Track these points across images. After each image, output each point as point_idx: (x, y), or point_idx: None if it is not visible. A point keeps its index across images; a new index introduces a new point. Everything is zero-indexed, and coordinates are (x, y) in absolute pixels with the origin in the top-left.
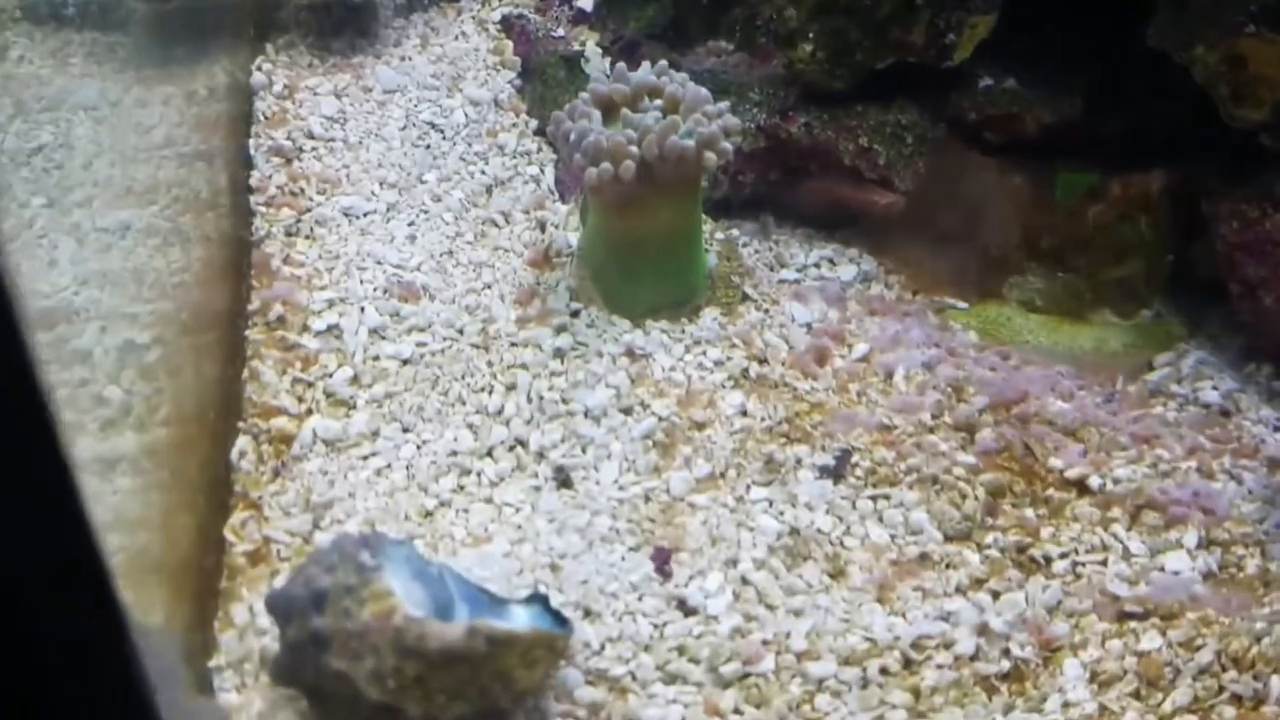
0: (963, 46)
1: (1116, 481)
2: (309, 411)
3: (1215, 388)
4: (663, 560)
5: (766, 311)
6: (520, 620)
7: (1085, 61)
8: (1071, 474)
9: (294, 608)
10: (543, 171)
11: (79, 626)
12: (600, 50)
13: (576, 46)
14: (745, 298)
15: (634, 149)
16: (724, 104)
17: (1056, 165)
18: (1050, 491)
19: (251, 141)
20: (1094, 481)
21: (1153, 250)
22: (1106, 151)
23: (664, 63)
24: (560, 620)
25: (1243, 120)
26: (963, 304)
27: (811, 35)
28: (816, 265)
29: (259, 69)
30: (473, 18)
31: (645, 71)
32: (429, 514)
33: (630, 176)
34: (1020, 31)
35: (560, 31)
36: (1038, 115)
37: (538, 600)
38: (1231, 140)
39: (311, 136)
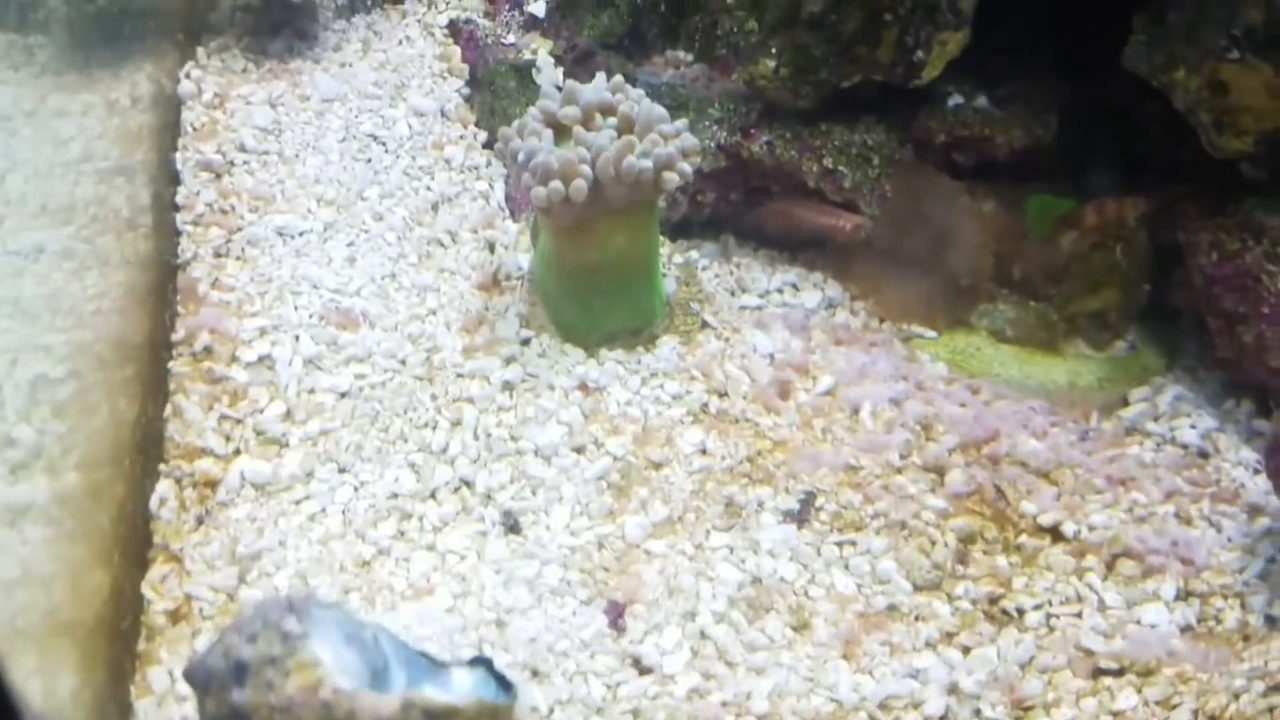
0: (932, 64)
1: (1092, 528)
2: (237, 452)
3: (1193, 426)
4: (616, 614)
5: (727, 340)
6: (461, 688)
7: (1060, 81)
8: (1045, 520)
9: (213, 679)
10: (492, 187)
11: None
12: (553, 60)
13: (528, 55)
14: (705, 325)
15: (586, 169)
16: (681, 123)
17: (1029, 189)
18: (1023, 538)
19: (178, 155)
20: (1068, 528)
21: (1129, 280)
22: (1081, 175)
23: (619, 78)
24: (505, 685)
25: (1225, 150)
26: (931, 333)
27: (774, 51)
28: (779, 290)
29: (187, 76)
30: (418, 21)
31: (599, 88)
32: (366, 564)
33: (582, 198)
34: (992, 50)
35: (510, 38)
36: (1010, 137)
37: (481, 663)
38: (1212, 166)
39: (243, 149)
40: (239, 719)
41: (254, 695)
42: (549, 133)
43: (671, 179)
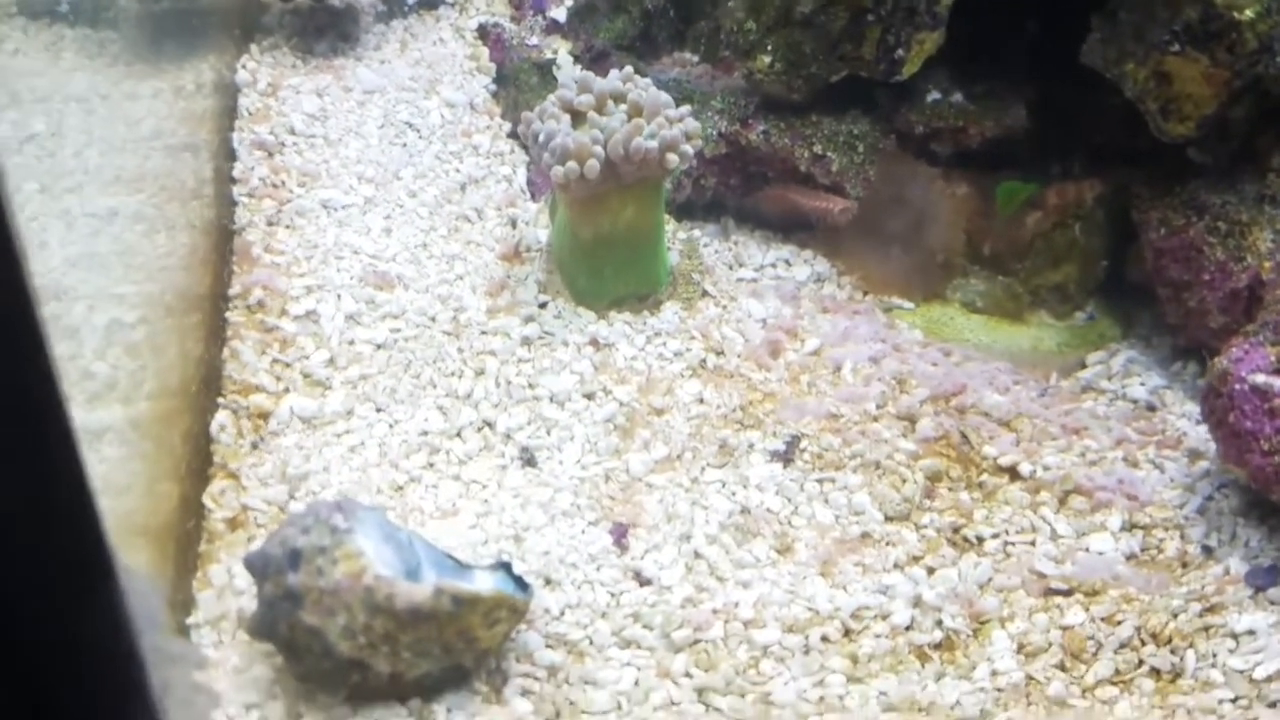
0: (911, 61)
1: (1046, 468)
2: (286, 390)
3: (1143, 384)
4: (620, 534)
5: (725, 307)
6: (484, 583)
7: (1028, 76)
8: (1004, 461)
9: (270, 565)
10: (515, 172)
11: (68, 564)
12: (572, 58)
13: (549, 54)
14: (705, 294)
15: (599, 149)
16: (685, 109)
17: (999, 175)
18: (984, 477)
19: (235, 135)
20: (1025, 468)
21: (1087, 256)
22: (1046, 162)
23: (629, 69)
24: (522, 585)
25: (1170, 135)
26: (909, 304)
27: (770, 47)
28: (773, 265)
29: (244, 67)
30: (451, 25)
31: (611, 78)
32: (400, 488)
33: (595, 175)
34: (967, 48)
35: (534, 40)
36: (982, 128)
37: (501, 567)
38: (1162, 152)
39: (293, 132)
40: (293, 599)
41: (306, 579)
42: (566, 117)
43: (674, 158)
